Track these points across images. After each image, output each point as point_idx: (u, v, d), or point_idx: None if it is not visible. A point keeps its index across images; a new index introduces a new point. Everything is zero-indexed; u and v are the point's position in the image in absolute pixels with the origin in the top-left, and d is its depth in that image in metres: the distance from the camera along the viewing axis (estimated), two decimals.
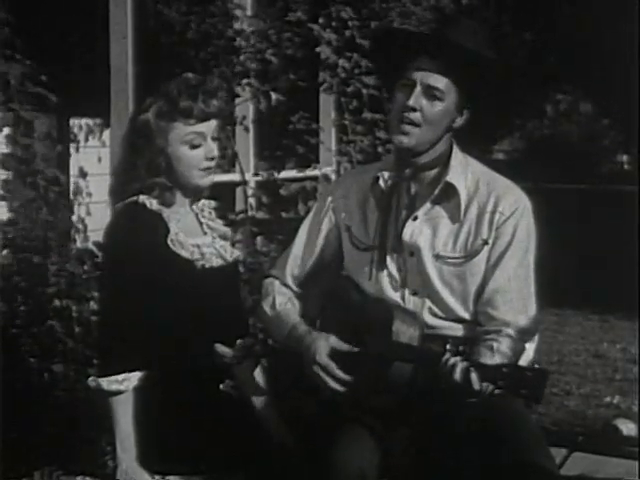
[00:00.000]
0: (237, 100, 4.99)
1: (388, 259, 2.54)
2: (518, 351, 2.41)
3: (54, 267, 3.95)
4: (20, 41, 4.11)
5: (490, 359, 2.30)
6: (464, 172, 2.55)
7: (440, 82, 2.47)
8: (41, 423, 3.72)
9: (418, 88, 2.47)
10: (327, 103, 5.85)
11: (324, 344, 2.46)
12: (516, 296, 2.48)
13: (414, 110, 2.46)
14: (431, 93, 2.47)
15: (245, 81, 4.90)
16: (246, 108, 5.29)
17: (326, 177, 5.55)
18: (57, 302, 3.88)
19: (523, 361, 2.42)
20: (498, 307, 2.47)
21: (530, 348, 2.47)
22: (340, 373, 2.42)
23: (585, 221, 9.14)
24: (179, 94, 2.45)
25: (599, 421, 4.90)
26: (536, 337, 2.51)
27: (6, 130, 4.09)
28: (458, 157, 2.57)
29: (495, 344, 2.37)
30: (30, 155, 4.05)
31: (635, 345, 6.47)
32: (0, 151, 4.13)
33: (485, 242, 2.50)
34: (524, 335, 2.45)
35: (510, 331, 2.42)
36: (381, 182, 2.58)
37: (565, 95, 14.24)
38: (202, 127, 2.46)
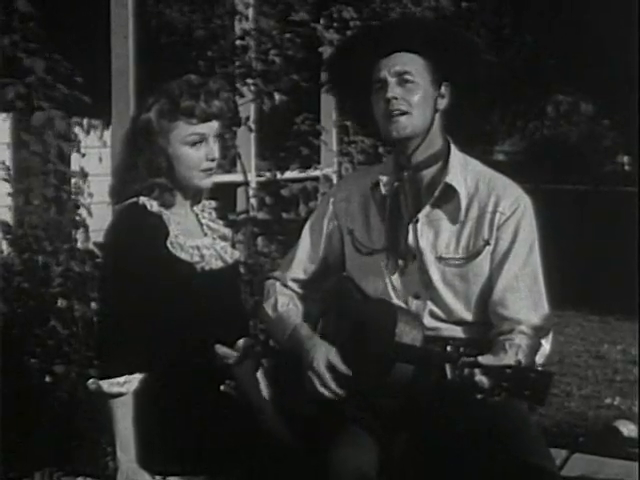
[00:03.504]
0: (240, 101, 4.99)
1: (391, 263, 2.54)
2: (534, 347, 2.40)
3: (56, 268, 3.95)
4: (43, 36, 4.11)
5: (503, 359, 2.26)
6: (463, 172, 2.55)
7: (407, 65, 2.51)
8: (42, 424, 3.72)
9: (390, 81, 2.50)
10: (328, 104, 5.85)
11: (323, 355, 2.47)
12: (526, 294, 2.48)
13: (395, 99, 2.49)
14: (403, 79, 2.50)
15: (248, 81, 4.90)
16: (247, 109, 5.29)
17: (327, 178, 5.56)
18: (59, 303, 3.88)
19: (540, 357, 2.41)
20: (508, 306, 2.47)
21: (546, 344, 2.47)
22: (333, 385, 2.44)
23: (585, 222, 9.13)
24: (181, 94, 2.45)
25: (599, 422, 4.89)
26: (551, 333, 2.50)
27: (15, 129, 4.08)
28: (457, 157, 2.58)
29: (507, 343, 2.37)
30: (44, 154, 4.05)
31: (635, 346, 6.45)
32: (9, 149, 4.13)
33: (487, 242, 2.51)
34: (538, 332, 2.44)
35: (523, 328, 2.42)
36: (381, 186, 2.59)
37: (566, 96, 14.23)
38: (204, 128, 2.46)
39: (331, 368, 2.45)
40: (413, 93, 2.50)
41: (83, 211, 4.31)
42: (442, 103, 2.56)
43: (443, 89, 2.55)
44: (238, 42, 5.00)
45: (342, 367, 2.45)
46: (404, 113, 2.49)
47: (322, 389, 2.45)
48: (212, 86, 2.49)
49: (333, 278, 2.67)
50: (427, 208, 2.54)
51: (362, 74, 2.56)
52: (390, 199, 2.57)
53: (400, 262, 2.54)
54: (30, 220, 4.04)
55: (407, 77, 2.50)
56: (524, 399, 2.15)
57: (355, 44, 2.74)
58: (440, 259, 2.51)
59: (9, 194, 4.13)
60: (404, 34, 2.54)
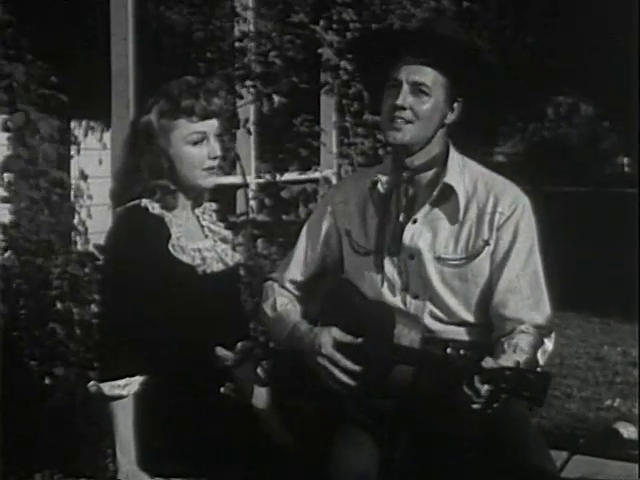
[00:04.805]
0: (239, 102, 4.99)
1: (388, 263, 2.55)
2: (535, 345, 2.40)
3: (56, 270, 3.94)
4: (24, 41, 4.11)
5: (504, 359, 2.27)
6: (462, 173, 2.55)
7: (426, 77, 2.49)
8: (42, 426, 3.72)
9: (405, 87, 2.49)
10: (328, 105, 5.85)
11: (328, 337, 2.47)
12: (527, 294, 2.48)
13: (403, 109, 2.48)
14: (418, 89, 2.49)
15: (247, 83, 4.90)
16: (247, 110, 5.29)
17: (327, 179, 5.55)
18: (58, 305, 3.87)
19: (542, 355, 2.41)
20: (510, 306, 2.47)
21: (549, 343, 2.46)
22: (348, 363, 2.43)
23: (585, 224, 9.13)
24: (180, 93, 2.45)
25: (600, 424, 4.88)
26: (553, 333, 2.50)
27: (10, 131, 4.08)
28: (455, 158, 2.58)
29: (507, 343, 2.37)
30: (33, 157, 4.04)
31: (635, 348, 6.45)
32: (3, 153, 4.12)
33: (486, 243, 2.51)
34: (540, 331, 2.44)
35: (524, 327, 2.42)
36: (379, 186, 2.59)
37: (566, 97, 14.25)
38: (204, 126, 2.47)
39: (339, 347, 2.45)
40: (424, 104, 2.49)
41: (82, 213, 4.31)
42: (450, 118, 2.56)
43: (455, 105, 2.55)
44: (237, 44, 5.00)
45: (348, 338, 2.45)
46: (408, 122, 2.49)
47: (335, 371, 2.44)
48: (210, 85, 2.51)
49: (331, 280, 2.67)
50: (426, 208, 2.54)
51: (381, 67, 2.55)
52: (388, 199, 2.57)
53: (397, 262, 2.54)
54: (27, 222, 4.04)
55: (423, 89, 2.49)
56: (523, 400, 2.15)
57: (384, 42, 2.69)
58: (439, 259, 2.51)
59: (5, 197, 4.13)
60: (435, 51, 2.49)
